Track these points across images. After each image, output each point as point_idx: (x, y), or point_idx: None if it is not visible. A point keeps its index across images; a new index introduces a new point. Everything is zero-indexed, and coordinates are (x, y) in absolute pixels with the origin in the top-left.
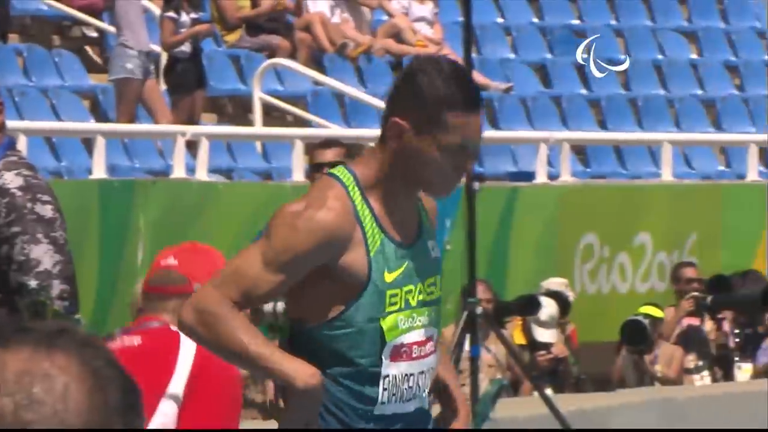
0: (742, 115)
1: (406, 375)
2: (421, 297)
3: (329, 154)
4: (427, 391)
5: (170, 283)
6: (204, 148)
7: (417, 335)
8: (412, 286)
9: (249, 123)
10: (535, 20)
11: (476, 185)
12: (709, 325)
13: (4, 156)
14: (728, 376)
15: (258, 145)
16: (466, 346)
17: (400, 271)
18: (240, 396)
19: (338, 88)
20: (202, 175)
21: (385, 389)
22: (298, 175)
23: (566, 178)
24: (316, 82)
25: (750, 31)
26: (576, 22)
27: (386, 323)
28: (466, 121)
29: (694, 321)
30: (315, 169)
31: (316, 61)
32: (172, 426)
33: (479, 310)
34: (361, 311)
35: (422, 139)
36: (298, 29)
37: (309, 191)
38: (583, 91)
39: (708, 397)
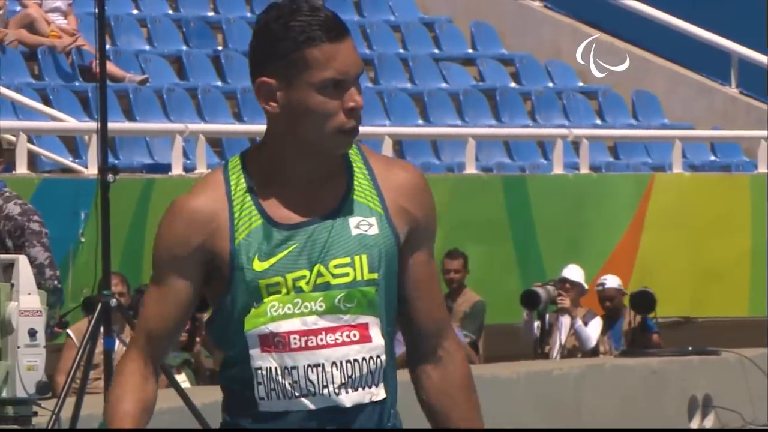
0: (377, 107)
1: (285, 368)
2: (321, 280)
3: None
4: (341, 386)
5: None
6: None
7: (299, 323)
8: (305, 271)
9: None
10: (171, 12)
11: (111, 177)
12: None
13: None
14: None
15: None
16: (101, 339)
17: (280, 256)
18: None
19: None
20: None
21: (259, 383)
22: None
23: (202, 170)
24: None
25: (384, 25)
26: (211, 14)
27: (254, 311)
28: (334, 51)
29: None
30: None
31: None
32: None
33: (113, 302)
34: (233, 304)
35: (295, 88)
36: None
37: None
38: (219, 83)
39: None
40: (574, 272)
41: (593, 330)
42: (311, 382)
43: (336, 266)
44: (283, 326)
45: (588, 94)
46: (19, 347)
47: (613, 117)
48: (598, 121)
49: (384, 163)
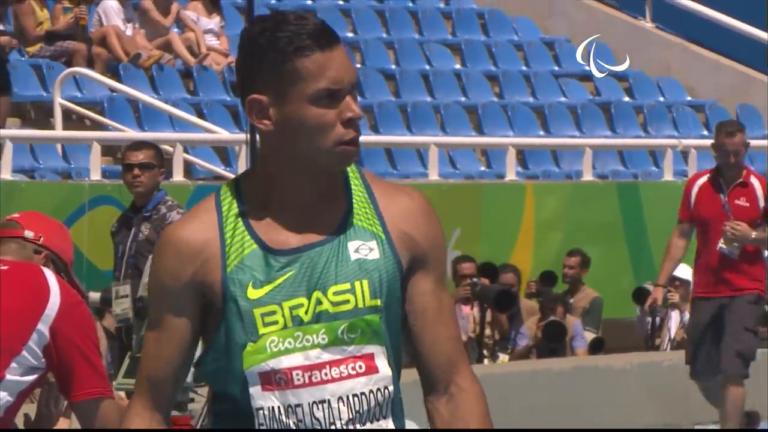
0: (501, 120)
1: (289, 407)
2: (321, 309)
3: (140, 155)
4: (349, 422)
5: (4, 228)
6: (8, 149)
7: (301, 358)
8: (303, 299)
9: (50, 127)
10: None
11: None
12: (467, 311)
13: None
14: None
15: (59, 147)
16: None
17: (276, 283)
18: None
19: (132, 95)
20: (6, 174)
21: (261, 424)
22: (96, 175)
23: None
24: (112, 89)
25: (508, 44)
26: (350, 34)
27: (253, 346)
28: (325, 60)
29: (467, 308)
30: (126, 168)
31: (112, 69)
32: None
33: None
34: (227, 337)
35: (288, 103)
36: (95, 41)
37: None
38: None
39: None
40: (683, 271)
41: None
42: (317, 419)
43: (335, 293)
44: (284, 362)
45: (696, 108)
46: None
47: None
48: (705, 132)
49: (387, 187)
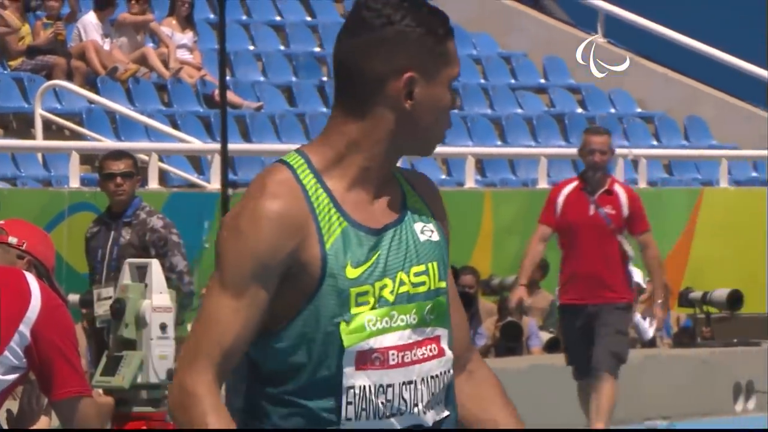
0: (461, 130)
1: (380, 386)
2: (403, 290)
3: (121, 165)
4: (427, 404)
5: None
6: None
7: (396, 338)
8: (388, 280)
9: (31, 137)
10: (282, 48)
11: (230, 191)
12: None
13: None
14: None
15: (39, 156)
16: None
17: (370, 262)
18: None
19: (110, 107)
20: None
21: (350, 403)
22: (75, 182)
23: None
24: (90, 101)
25: (467, 59)
26: (317, 49)
27: (349, 325)
28: (454, 46)
29: None
30: (107, 177)
31: (90, 82)
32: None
33: None
34: (317, 315)
35: (436, 84)
36: (75, 55)
37: (247, 188)
38: (324, 110)
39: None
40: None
41: (650, 324)
42: (404, 400)
43: (416, 274)
44: (383, 341)
45: (645, 119)
46: (152, 339)
47: (667, 138)
48: (655, 142)
49: (409, 171)
